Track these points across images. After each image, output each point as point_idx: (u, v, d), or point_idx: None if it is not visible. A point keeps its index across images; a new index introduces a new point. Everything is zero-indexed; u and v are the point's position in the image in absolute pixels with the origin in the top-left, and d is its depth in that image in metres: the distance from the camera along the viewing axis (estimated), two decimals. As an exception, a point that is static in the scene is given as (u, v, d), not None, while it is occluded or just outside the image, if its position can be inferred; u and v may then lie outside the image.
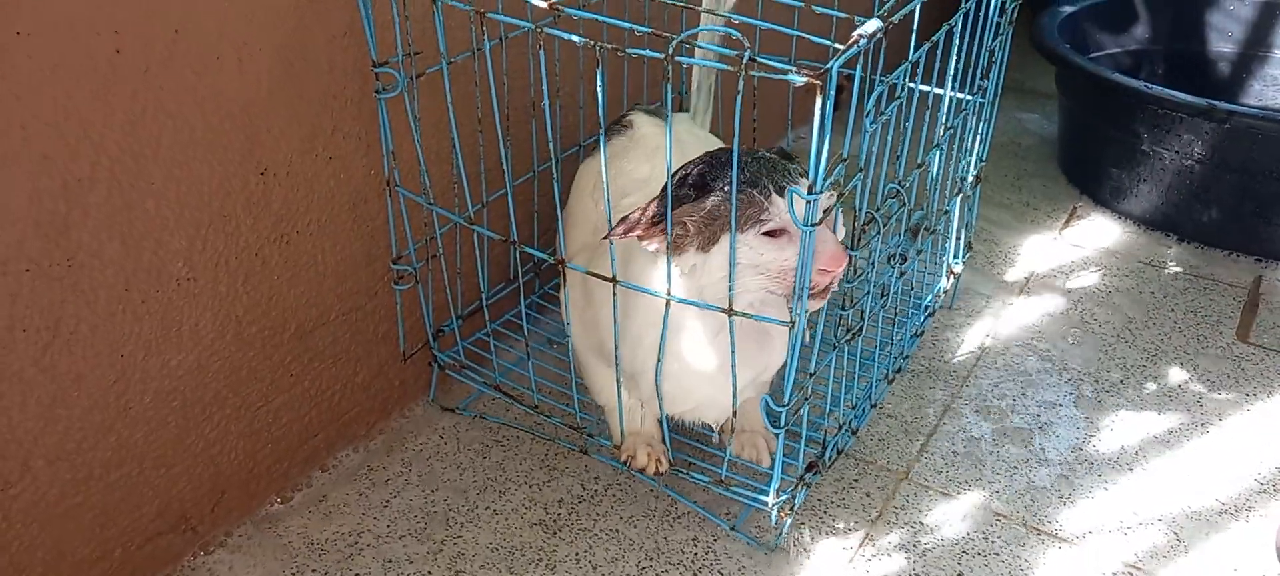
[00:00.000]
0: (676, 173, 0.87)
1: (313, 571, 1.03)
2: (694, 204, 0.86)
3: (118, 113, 0.83)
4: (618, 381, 1.03)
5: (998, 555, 1.07)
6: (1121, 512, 1.13)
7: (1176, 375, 1.35)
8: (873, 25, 0.76)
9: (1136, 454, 1.22)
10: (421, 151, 1.06)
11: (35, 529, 0.88)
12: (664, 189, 0.86)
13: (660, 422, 1.06)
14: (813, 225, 0.79)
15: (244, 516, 1.09)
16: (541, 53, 0.87)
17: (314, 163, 1.03)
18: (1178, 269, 1.60)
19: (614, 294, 0.94)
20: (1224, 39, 1.98)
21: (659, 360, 0.93)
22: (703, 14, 0.85)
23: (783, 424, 0.94)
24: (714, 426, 1.07)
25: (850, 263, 0.86)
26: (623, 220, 0.87)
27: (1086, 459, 1.21)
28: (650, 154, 1.09)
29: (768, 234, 0.85)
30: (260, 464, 1.09)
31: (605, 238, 0.88)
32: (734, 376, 0.92)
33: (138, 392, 0.93)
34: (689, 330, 0.93)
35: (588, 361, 1.10)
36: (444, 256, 1.17)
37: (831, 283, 0.85)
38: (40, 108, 0.78)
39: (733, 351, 0.90)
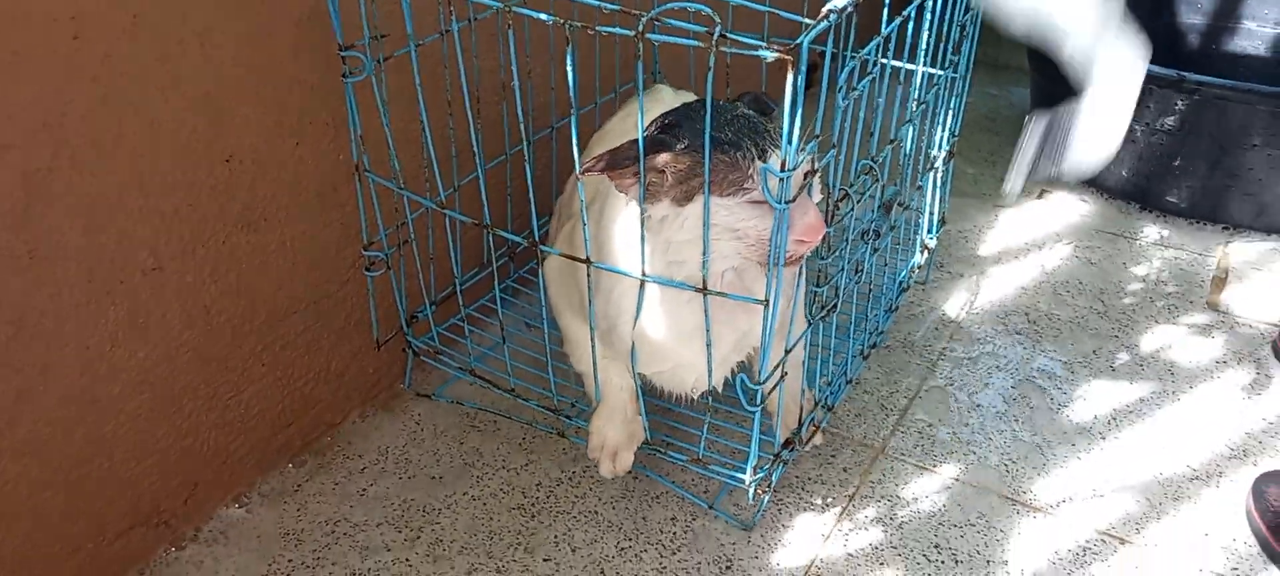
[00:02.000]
0: (659, 118, 0.85)
1: (289, 562, 1.03)
2: (675, 154, 0.83)
3: (77, 101, 0.81)
4: (592, 342, 1.01)
5: (973, 525, 1.08)
6: (1095, 480, 1.14)
7: (1148, 344, 1.36)
8: (843, 0, 0.76)
9: (1109, 422, 1.23)
10: (390, 135, 1.04)
11: (2, 525, 0.87)
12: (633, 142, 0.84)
13: (637, 393, 1.05)
14: (787, 202, 0.79)
15: (218, 508, 1.08)
16: (510, 33, 0.85)
17: (281, 149, 1.01)
18: (1149, 240, 1.62)
19: (588, 274, 0.93)
20: (1193, 11, 1.99)
21: (635, 318, 0.91)
22: None
23: (758, 402, 0.94)
24: (693, 393, 1.05)
25: (825, 236, 0.85)
26: (598, 156, 0.84)
27: (1060, 428, 1.22)
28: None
29: (747, 197, 0.83)
30: (233, 454, 1.08)
31: (581, 172, 0.85)
32: (709, 347, 0.91)
33: (105, 385, 0.92)
34: (658, 290, 0.92)
35: (567, 321, 1.09)
36: (416, 241, 1.16)
37: (805, 251, 0.84)
38: (-4, 96, 0.76)
39: (707, 324, 0.89)
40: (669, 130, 0.84)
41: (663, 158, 0.83)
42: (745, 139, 0.82)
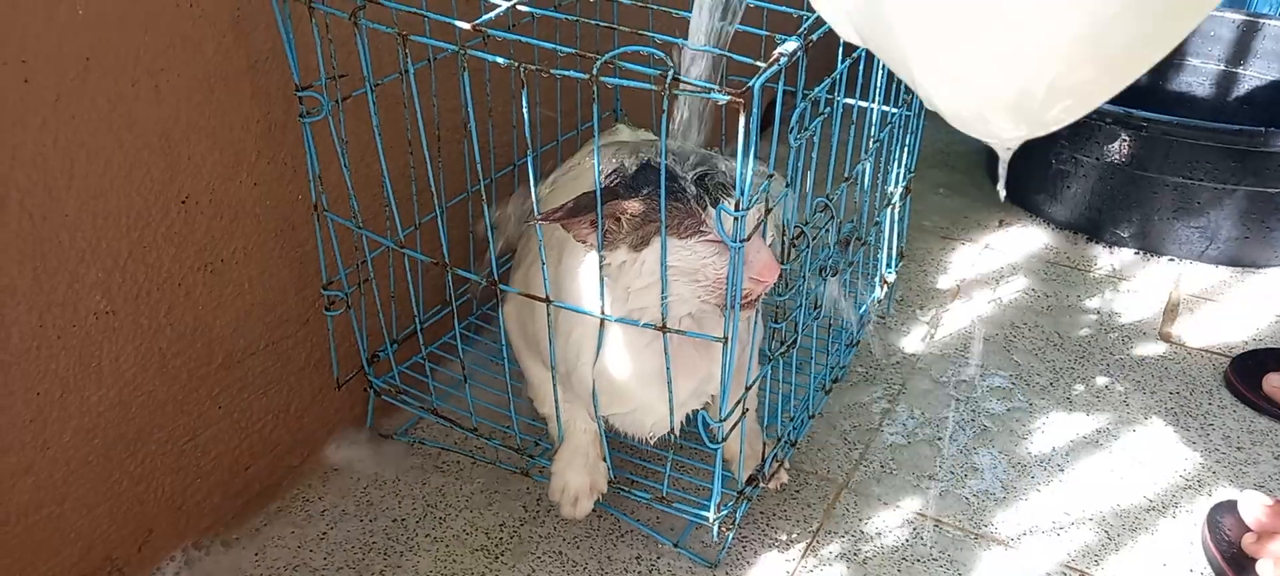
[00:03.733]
0: (605, 170, 0.86)
1: (246, 608, 1.01)
2: (624, 201, 0.84)
3: (27, 144, 0.80)
4: (553, 383, 1.01)
5: (937, 560, 1.09)
6: (1055, 513, 1.15)
7: (1102, 376, 1.39)
8: (792, 44, 0.77)
9: (1067, 454, 1.24)
10: (349, 175, 1.04)
11: (-53, 578, 0.85)
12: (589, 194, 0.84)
13: (600, 436, 1.05)
14: (742, 241, 0.80)
15: (173, 554, 1.06)
16: (466, 75, 0.86)
17: (239, 189, 1.01)
18: (1102, 272, 1.65)
19: (547, 312, 0.93)
20: (1140, 48, 2.04)
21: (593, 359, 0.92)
22: (692, 33, 0.84)
23: (721, 438, 0.95)
24: (649, 438, 1.05)
25: (782, 275, 0.86)
26: (557, 208, 0.85)
27: (1020, 461, 1.23)
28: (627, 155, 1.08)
29: (704, 238, 0.84)
30: (189, 499, 1.06)
31: (536, 220, 0.86)
32: (670, 383, 0.91)
33: (56, 431, 0.90)
34: (618, 333, 0.92)
35: (526, 363, 1.09)
36: (376, 281, 1.15)
37: (762, 292, 0.85)
38: (-57, 140, 0.75)
39: (667, 363, 0.89)
40: (620, 181, 0.85)
41: (618, 205, 0.84)
42: (698, 184, 0.83)
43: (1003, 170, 0.68)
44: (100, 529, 0.97)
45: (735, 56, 0.80)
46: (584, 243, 0.87)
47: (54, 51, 0.80)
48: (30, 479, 0.89)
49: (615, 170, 0.86)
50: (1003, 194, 0.74)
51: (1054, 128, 0.62)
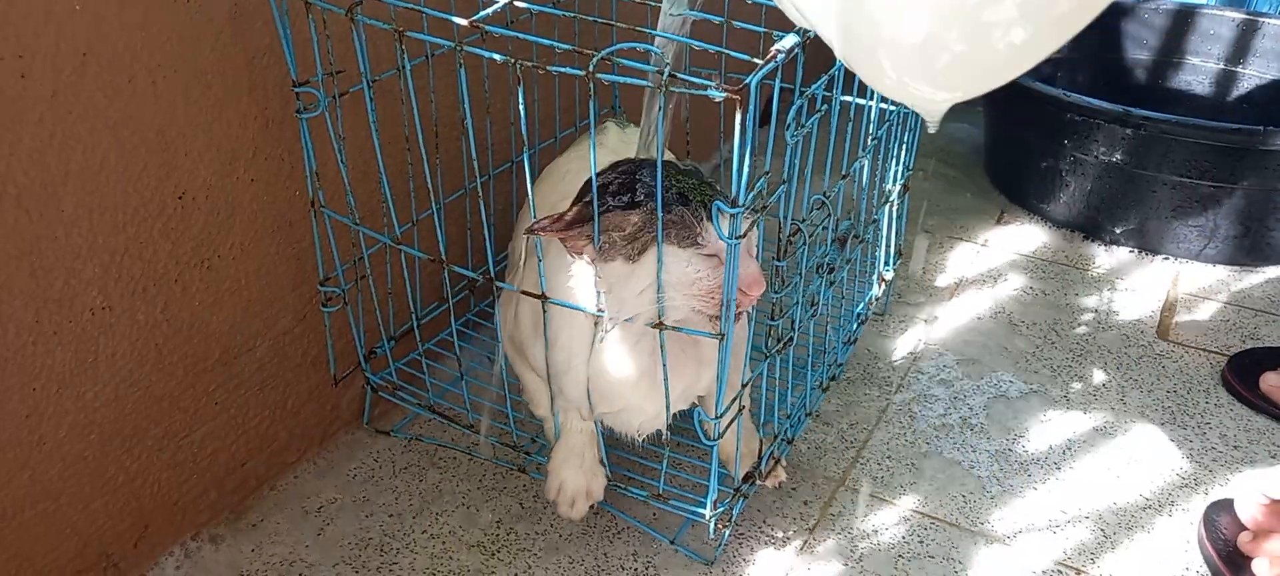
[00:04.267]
0: (600, 179, 0.86)
1: (242, 604, 1.01)
2: (622, 214, 0.85)
3: (25, 139, 0.80)
4: (549, 385, 1.01)
5: (933, 558, 1.09)
6: (1051, 511, 1.16)
7: (1100, 374, 1.39)
8: (790, 40, 0.77)
9: (1064, 452, 1.25)
10: (346, 171, 1.04)
11: (-57, 573, 0.85)
12: (583, 194, 0.84)
13: (596, 436, 1.05)
14: (738, 237, 0.80)
15: (169, 550, 1.06)
16: (463, 71, 0.86)
17: (236, 185, 1.00)
18: (1101, 270, 1.65)
19: (544, 310, 0.93)
20: (1140, 47, 2.04)
21: (581, 364, 0.92)
22: (664, 18, 0.84)
23: (716, 436, 0.95)
24: (640, 435, 1.05)
25: (767, 286, 0.86)
26: (551, 216, 0.85)
27: (1017, 459, 1.23)
28: (610, 156, 1.08)
29: (699, 250, 0.85)
30: (186, 496, 1.06)
31: (530, 230, 0.86)
32: (666, 382, 0.91)
33: (52, 427, 0.90)
34: (610, 334, 0.92)
35: (519, 369, 1.09)
36: (373, 277, 1.15)
37: (749, 304, 0.86)
38: (-61, 135, 0.75)
39: (664, 359, 0.89)
40: (607, 193, 0.85)
41: (619, 218, 0.84)
42: (692, 195, 0.84)
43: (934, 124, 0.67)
44: (96, 524, 0.97)
45: (735, 54, 0.80)
46: (580, 255, 0.87)
47: (51, 47, 0.80)
48: (26, 474, 0.89)
49: (605, 173, 0.86)
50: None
51: (970, 91, 0.61)
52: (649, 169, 0.85)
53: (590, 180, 0.84)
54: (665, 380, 0.91)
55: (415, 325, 1.14)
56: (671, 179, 0.84)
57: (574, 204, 0.87)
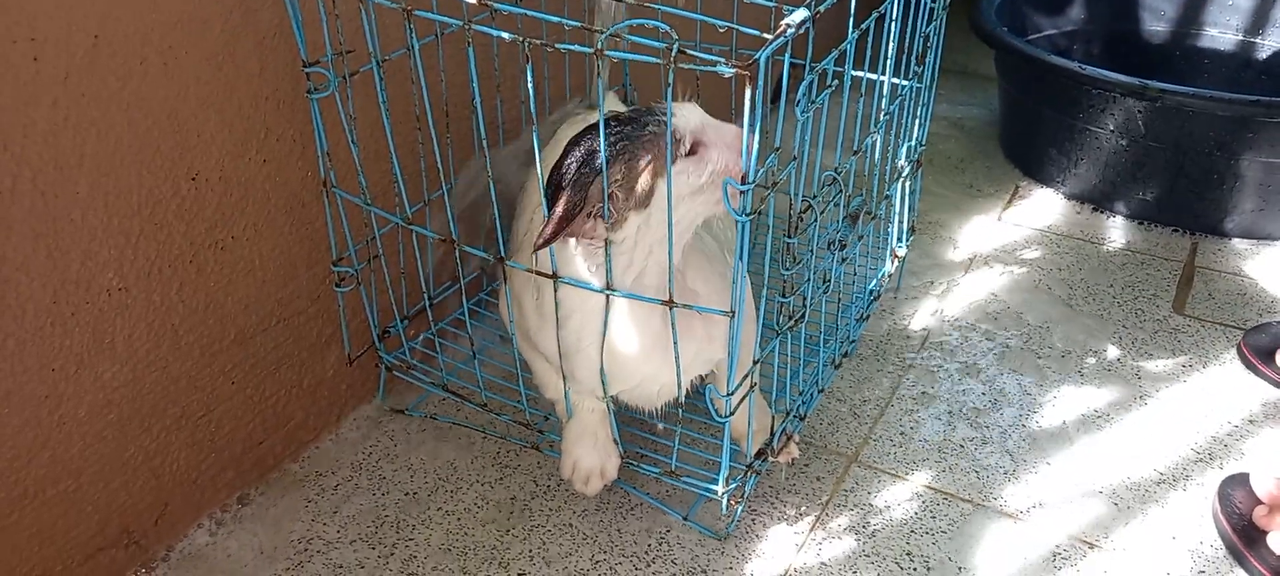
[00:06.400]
0: (565, 161, 0.84)
1: (261, 581, 1.02)
2: (607, 169, 0.82)
3: (39, 122, 0.81)
4: (561, 366, 1.01)
5: (945, 533, 1.09)
6: (1065, 486, 1.15)
7: (1115, 349, 1.38)
8: (800, 15, 0.77)
9: (1078, 427, 1.24)
10: (356, 151, 1.04)
11: (-33, 551, 0.86)
12: (549, 186, 0.84)
13: (609, 416, 1.06)
14: (748, 215, 0.80)
15: (189, 528, 1.07)
16: (472, 50, 0.85)
17: (248, 166, 1.01)
18: (1116, 245, 1.64)
19: (555, 289, 0.93)
20: (1157, 18, 2.02)
21: (591, 343, 0.91)
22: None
23: (728, 412, 0.95)
24: (658, 403, 1.05)
25: (778, 259, 0.85)
26: (549, 226, 0.82)
27: (1030, 434, 1.23)
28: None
29: (689, 153, 0.83)
30: (204, 474, 1.07)
31: (537, 248, 0.84)
32: (677, 359, 0.91)
33: (71, 407, 0.91)
34: (619, 308, 0.92)
35: (528, 354, 1.09)
36: (385, 257, 1.16)
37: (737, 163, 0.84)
38: (-45, 119, 0.76)
39: (673, 321, 0.89)
40: (585, 162, 0.83)
41: (601, 185, 0.82)
42: (644, 115, 0.82)
43: None
44: (117, 502, 0.98)
45: (744, 29, 0.79)
46: (594, 238, 0.86)
47: (63, 30, 0.80)
48: (47, 454, 0.90)
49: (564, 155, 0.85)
50: None
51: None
52: (592, 129, 0.83)
53: (551, 171, 0.83)
54: (676, 348, 0.91)
55: (428, 305, 1.15)
56: (618, 129, 0.83)
57: (550, 202, 0.84)
